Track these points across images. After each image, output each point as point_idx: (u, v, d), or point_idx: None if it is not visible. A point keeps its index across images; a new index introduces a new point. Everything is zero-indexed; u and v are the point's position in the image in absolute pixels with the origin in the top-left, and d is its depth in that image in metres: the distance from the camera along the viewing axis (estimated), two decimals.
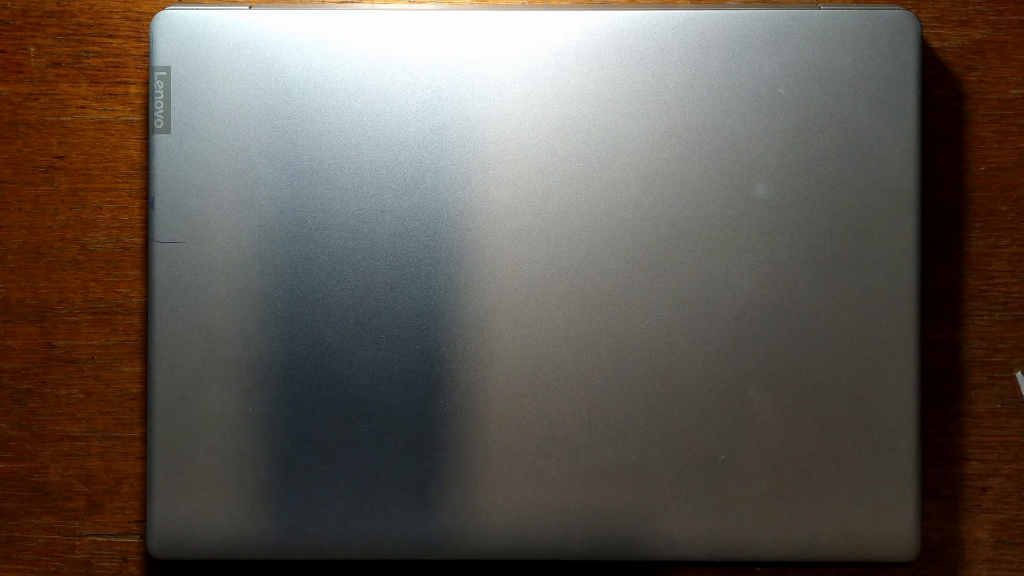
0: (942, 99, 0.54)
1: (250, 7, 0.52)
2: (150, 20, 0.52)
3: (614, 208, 0.51)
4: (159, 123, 0.51)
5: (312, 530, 0.51)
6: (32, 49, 0.54)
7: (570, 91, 0.51)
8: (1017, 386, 0.54)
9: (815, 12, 0.51)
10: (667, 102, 0.51)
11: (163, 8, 0.52)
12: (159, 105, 0.51)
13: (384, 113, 0.51)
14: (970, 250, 0.54)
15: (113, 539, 0.54)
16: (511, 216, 0.51)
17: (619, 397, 0.51)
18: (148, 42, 0.52)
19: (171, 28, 0.51)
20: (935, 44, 0.54)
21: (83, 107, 0.54)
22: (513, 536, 0.51)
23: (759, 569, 0.53)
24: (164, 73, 0.51)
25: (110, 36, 0.54)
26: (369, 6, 0.53)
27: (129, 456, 0.54)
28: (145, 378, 0.53)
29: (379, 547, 0.51)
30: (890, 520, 0.51)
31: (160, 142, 0.51)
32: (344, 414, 0.51)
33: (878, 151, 0.51)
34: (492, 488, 0.51)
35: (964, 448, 0.54)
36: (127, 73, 0.54)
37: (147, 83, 0.53)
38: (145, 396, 0.54)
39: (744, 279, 0.51)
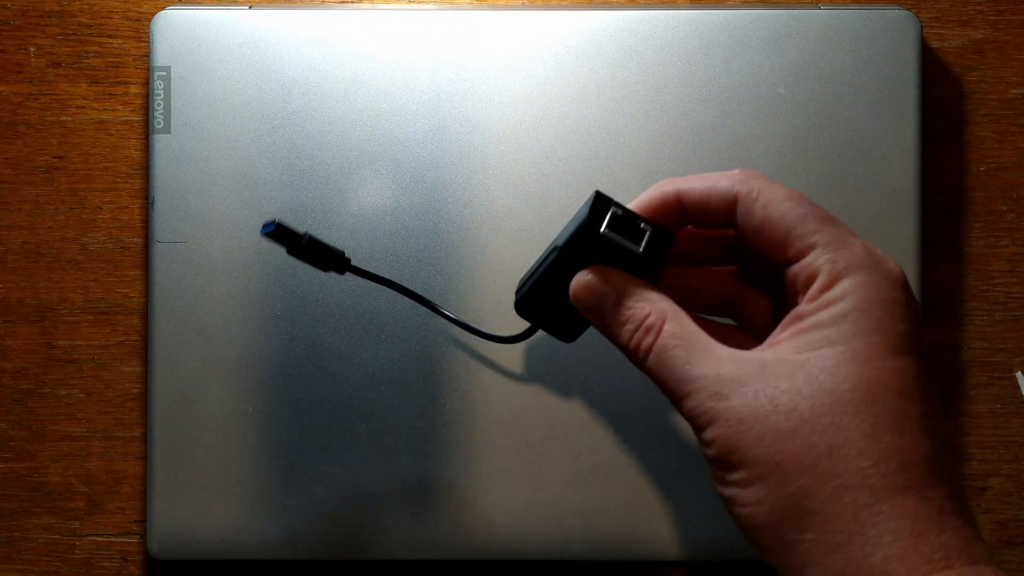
0: (942, 99, 0.54)
1: (250, 7, 0.52)
2: (150, 20, 0.52)
3: None
4: (159, 123, 0.51)
5: (312, 530, 0.51)
6: (32, 49, 0.54)
7: (570, 91, 0.51)
8: (1017, 386, 0.54)
9: (815, 12, 0.51)
10: (667, 102, 0.51)
11: (163, 8, 0.52)
12: (159, 105, 0.51)
13: (384, 113, 0.51)
14: (970, 250, 0.54)
15: (113, 539, 0.54)
16: (511, 216, 0.51)
17: (619, 397, 0.51)
18: (148, 42, 0.52)
19: (171, 28, 0.51)
20: (935, 44, 0.54)
21: (83, 107, 0.54)
22: (513, 536, 0.51)
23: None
24: (164, 73, 0.51)
25: (110, 36, 0.54)
26: (369, 6, 0.53)
27: (129, 456, 0.54)
28: (145, 378, 0.53)
29: (379, 547, 0.51)
30: None
31: (160, 142, 0.51)
32: (344, 414, 0.51)
33: (878, 151, 0.51)
34: (492, 488, 0.51)
35: (964, 448, 0.54)
36: (127, 73, 0.54)
37: (147, 83, 0.53)
38: (145, 396, 0.54)
39: None
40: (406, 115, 0.51)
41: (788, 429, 0.36)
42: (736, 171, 0.40)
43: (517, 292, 0.46)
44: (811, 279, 0.38)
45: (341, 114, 0.51)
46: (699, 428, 0.38)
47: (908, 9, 0.52)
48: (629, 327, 0.40)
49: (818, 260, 0.38)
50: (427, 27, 0.51)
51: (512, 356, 0.51)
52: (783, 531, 0.36)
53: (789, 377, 0.37)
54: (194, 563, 0.53)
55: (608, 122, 0.51)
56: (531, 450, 0.51)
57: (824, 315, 0.37)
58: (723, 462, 0.37)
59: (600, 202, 0.40)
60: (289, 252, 0.45)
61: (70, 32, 0.54)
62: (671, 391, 0.39)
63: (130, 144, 0.54)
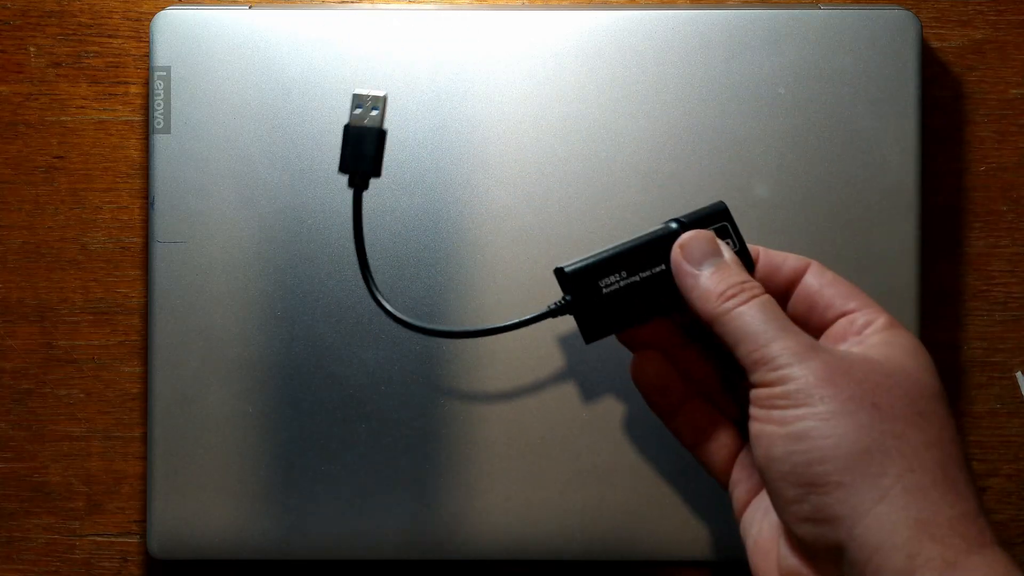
0: (942, 99, 0.54)
1: (250, 7, 0.52)
2: (150, 20, 0.52)
3: (614, 208, 0.51)
4: (159, 123, 0.51)
5: (312, 530, 0.51)
6: (32, 49, 0.54)
7: (570, 91, 0.51)
8: (1017, 386, 0.54)
9: (815, 12, 0.51)
10: (667, 102, 0.51)
11: (163, 8, 0.52)
12: (159, 105, 0.51)
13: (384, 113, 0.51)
14: (970, 250, 0.54)
15: (113, 539, 0.54)
16: (511, 216, 0.51)
17: (619, 397, 0.51)
18: (148, 42, 0.52)
19: (171, 28, 0.51)
20: (935, 44, 0.54)
21: (83, 107, 0.54)
22: (513, 536, 0.51)
23: None
24: (164, 73, 0.51)
25: (110, 36, 0.54)
26: (369, 6, 0.53)
27: (129, 456, 0.54)
28: (145, 378, 0.53)
29: (379, 547, 0.51)
30: None
31: (160, 142, 0.51)
32: (344, 414, 0.51)
33: (878, 151, 0.51)
34: (492, 488, 0.51)
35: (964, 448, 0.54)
36: (127, 73, 0.54)
37: (147, 83, 0.53)
38: (145, 396, 0.54)
39: None
40: (406, 115, 0.51)
41: (887, 384, 0.39)
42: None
43: (565, 265, 0.45)
44: (869, 323, 0.42)
45: (341, 114, 0.51)
46: (788, 364, 0.39)
47: (908, 9, 0.52)
48: (729, 282, 0.42)
49: (879, 314, 0.42)
50: (427, 27, 0.51)
51: (512, 356, 0.51)
52: (866, 462, 0.37)
53: (882, 357, 0.40)
54: (194, 563, 0.53)
55: (608, 122, 0.51)
56: (531, 450, 0.51)
57: (891, 339, 0.41)
58: (806, 394, 0.39)
59: (721, 212, 0.45)
60: (351, 123, 0.46)
61: (70, 32, 0.54)
62: (757, 334, 0.40)
63: (130, 144, 0.54)
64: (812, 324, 0.43)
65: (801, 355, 0.39)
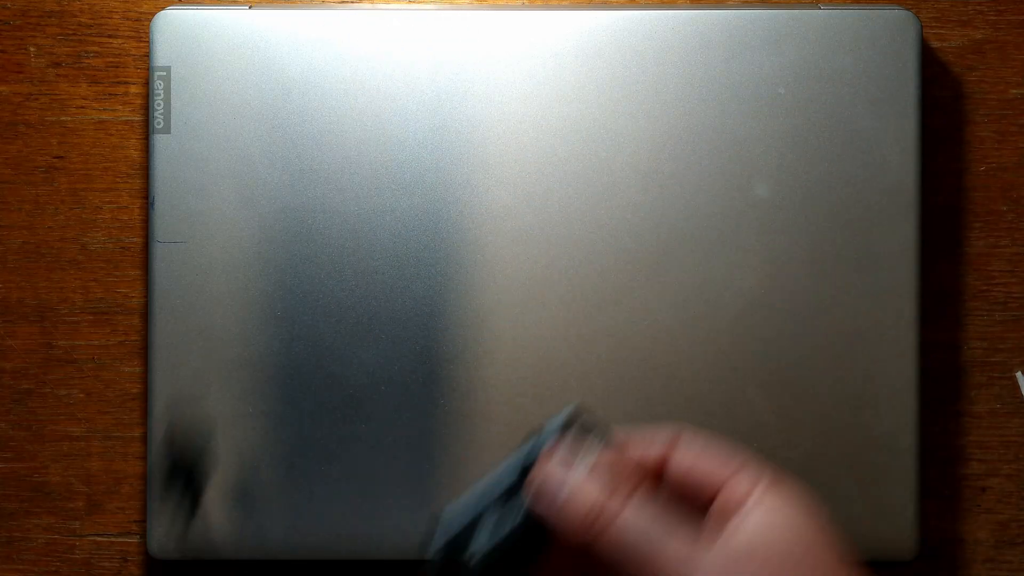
0: (942, 99, 0.54)
1: (250, 7, 0.52)
2: (150, 20, 0.52)
3: (614, 208, 0.51)
4: (159, 123, 0.51)
5: (312, 530, 0.51)
6: (32, 49, 0.54)
7: (570, 91, 0.51)
8: (1017, 386, 0.54)
9: (815, 12, 0.51)
10: (667, 102, 0.51)
11: (163, 8, 0.52)
12: (159, 105, 0.51)
13: (384, 113, 0.51)
14: (970, 250, 0.54)
15: (113, 539, 0.54)
16: (511, 216, 0.51)
17: (619, 397, 0.51)
18: (148, 42, 0.52)
19: (171, 28, 0.51)
20: (935, 44, 0.54)
21: (83, 107, 0.54)
22: None
23: None
24: (164, 73, 0.51)
25: (110, 36, 0.54)
26: (369, 6, 0.53)
27: (129, 456, 0.54)
28: (145, 378, 0.53)
29: (379, 547, 0.51)
30: (890, 520, 0.51)
31: (160, 142, 0.51)
32: (344, 414, 0.51)
33: (878, 151, 0.51)
34: None
35: (964, 448, 0.54)
36: (127, 73, 0.54)
37: (147, 83, 0.53)
38: (145, 396, 0.54)
39: (744, 279, 0.51)
40: (406, 115, 0.51)
41: (786, 566, 0.36)
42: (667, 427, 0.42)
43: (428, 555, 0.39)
44: (748, 493, 0.39)
45: (341, 114, 0.51)
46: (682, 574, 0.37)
47: (908, 9, 0.52)
48: (589, 505, 0.39)
49: (755, 477, 0.39)
50: (427, 27, 0.51)
51: (511, 356, 0.51)
52: None
53: (771, 533, 0.38)
54: (194, 563, 0.53)
55: (608, 122, 0.51)
56: None
57: (774, 505, 0.39)
58: None
59: (572, 414, 0.40)
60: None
61: (70, 32, 0.54)
62: (637, 549, 0.38)
63: (130, 144, 0.54)
64: (694, 501, 0.40)
65: (691, 560, 0.37)
